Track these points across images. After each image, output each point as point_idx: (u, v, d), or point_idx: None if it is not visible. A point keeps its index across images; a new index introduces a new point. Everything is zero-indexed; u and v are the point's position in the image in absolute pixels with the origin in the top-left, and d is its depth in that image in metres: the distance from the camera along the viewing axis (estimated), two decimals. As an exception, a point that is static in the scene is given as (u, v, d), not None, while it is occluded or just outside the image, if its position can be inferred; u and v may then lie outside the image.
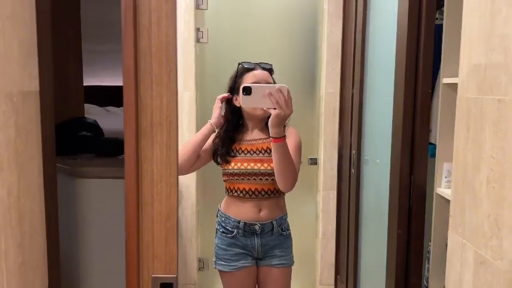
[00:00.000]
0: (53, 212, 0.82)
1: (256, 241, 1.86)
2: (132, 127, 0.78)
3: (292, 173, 1.75)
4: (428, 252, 1.81)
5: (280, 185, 1.78)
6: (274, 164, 1.73)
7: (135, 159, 0.79)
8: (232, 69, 1.90)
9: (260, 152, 1.84)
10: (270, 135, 1.68)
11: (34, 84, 0.74)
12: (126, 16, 0.74)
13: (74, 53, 2.83)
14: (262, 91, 1.64)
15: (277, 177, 1.76)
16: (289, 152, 1.73)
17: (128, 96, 0.78)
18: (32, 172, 0.75)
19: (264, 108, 1.71)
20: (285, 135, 1.70)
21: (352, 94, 2.67)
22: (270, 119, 1.65)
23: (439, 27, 1.76)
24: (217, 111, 1.84)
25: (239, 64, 1.85)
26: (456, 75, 1.62)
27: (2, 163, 0.67)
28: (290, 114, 1.65)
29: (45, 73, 0.77)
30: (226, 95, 1.86)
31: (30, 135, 0.74)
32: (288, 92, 1.63)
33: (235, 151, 1.85)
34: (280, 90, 1.61)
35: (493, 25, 1.01)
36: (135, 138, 0.78)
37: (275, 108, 1.62)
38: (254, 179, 1.83)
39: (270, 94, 1.61)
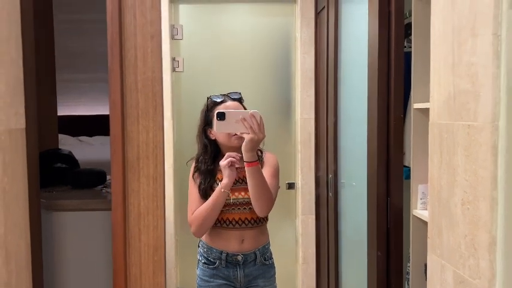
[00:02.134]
0: (37, 248, 0.81)
1: (239, 272, 1.85)
2: (119, 160, 0.78)
3: (267, 197, 1.76)
4: (408, 273, 1.84)
5: (256, 209, 1.79)
6: (250, 188, 1.74)
7: (122, 192, 0.79)
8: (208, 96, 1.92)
9: (243, 181, 1.84)
10: (244, 159, 1.70)
11: (20, 122, 0.74)
12: (112, 52, 0.76)
13: (48, 83, 2.81)
14: (236, 116, 1.67)
15: (253, 202, 1.77)
16: (263, 175, 1.75)
17: (114, 130, 0.79)
18: (18, 209, 0.75)
19: (238, 133, 1.73)
20: (258, 160, 1.72)
21: (327, 119, 2.73)
22: (243, 143, 1.68)
23: (408, 55, 1.84)
24: (232, 177, 1.77)
25: (208, 98, 1.87)
26: (426, 100, 1.70)
27: (-11, 202, 0.66)
28: (263, 138, 1.69)
29: (31, 110, 0.78)
30: (233, 159, 1.76)
31: (17, 172, 0.74)
32: (261, 117, 1.67)
33: (218, 181, 1.85)
34: (253, 116, 1.65)
35: (460, 54, 1.08)
36: (121, 171, 0.78)
37: (248, 133, 1.65)
38: (238, 208, 1.83)
39: (244, 119, 1.65)
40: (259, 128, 1.65)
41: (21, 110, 0.78)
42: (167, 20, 2.86)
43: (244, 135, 1.67)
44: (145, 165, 0.83)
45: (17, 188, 0.77)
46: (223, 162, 1.74)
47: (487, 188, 0.96)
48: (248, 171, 1.71)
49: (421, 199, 1.79)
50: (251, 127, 1.64)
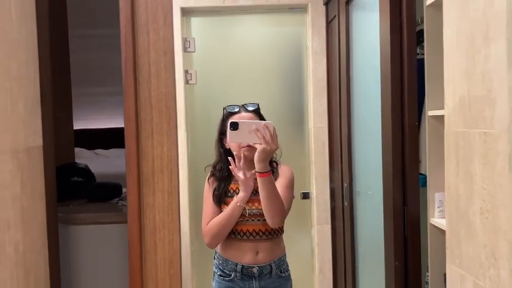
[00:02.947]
0: (55, 263, 0.82)
1: (255, 284, 1.85)
2: (134, 175, 0.79)
3: (279, 208, 1.76)
4: (427, 283, 1.81)
5: (268, 221, 1.78)
6: (261, 199, 1.74)
7: (138, 206, 0.80)
8: (221, 109, 1.94)
9: (257, 192, 1.84)
10: (256, 170, 1.70)
11: (38, 140, 0.76)
12: (126, 69, 0.77)
13: (64, 97, 2.86)
14: (249, 127, 1.68)
15: (265, 212, 1.76)
16: (275, 187, 1.75)
17: (129, 145, 0.80)
18: (36, 226, 0.76)
19: (251, 144, 1.74)
20: (270, 171, 1.72)
21: (340, 128, 2.72)
22: (256, 153, 1.68)
23: (420, 62, 1.83)
24: (249, 191, 1.80)
25: (224, 108, 1.89)
26: (440, 108, 1.68)
27: (9, 221, 0.67)
28: (276, 149, 1.69)
29: (48, 128, 0.79)
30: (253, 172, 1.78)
31: (35, 190, 0.75)
32: (274, 128, 1.67)
33: (231, 191, 1.86)
34: (266, 126, 1.66)
35: (474, 61, 1.07)
36: (137, 186, 0.79)
37: (261, 144, 1.66)
38: (252, 219, 1.83)
39: (257, 130, 1.65)
40: (272, 138, 1.65)
41: (39, 129, 0.80)
42: (179, 33, 2.88)
43: (257, 146, 1.68)
44: (160, 180, 0.84)
45: (35, 205, 0.78)
46: (241, 176, 1.76)
47: (506, 196, 0.94)
48: (260, 182, 1.71)
49: (438, 207, 1.77)
50: (264, 137, 1.65)
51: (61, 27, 2.61)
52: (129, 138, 0.75)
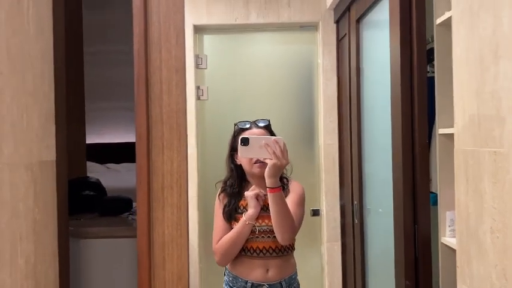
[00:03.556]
0: (65, 277, 0.83)
1: None
2: (145, 190, 0.80)
3: (289, 224, 1.75)
4: (438, 303, 1.78)
5: (278, 237, 1.77)
6: (272, 214, 1.74)
7: (147, 221, 0.81)
8: (231, 125, 1.95)
9: (268, 208, 1.84)
10: (266, 185, 1.70)
11: (51, 154, 0.77)
12: (138, 86, 0.79)
13: (77, 112, 2.90)
14: (259, 142, 1.69)
15: (274, 229, 1.75)
16: (285, 202, 1.74)
17: (140, 161, 0.81)
18: (48, 239, 0.77)
19: (261, 159, 1.75)
20: (280, 186, 1.72)
21: (351, 145, 2.72)
22: (266, 169, 1.68)
23: (431, 80, 1.83)
24: (257, 209, 1.80)
25: (235, 124, 1.90)
26: (451, 126, 1.67)
27: (21, 232, 0.69)
28: (286, 164, 1.69)
29: (61, 142, 0.81)
30: (260, 192, 1.80)
31: (47, 203, 0.76)
32: (284, 143, 1.68)
33: (242, 208, 1.85)
34: (276, 142, 1.66)
35: (483, 81, 1.07)
36: (147, 200, 0.80)
37: (271, 159, 1.66)
38: (262, 236, 1.82)
39: (267, 145, 1.66)
40: (282, 154, 1.66)
41: (52, 143, 0.82)
42: (192, 50, 2.94)
43: (267, 161, 1.68)
44: (170, 195, 0.85)
45: (47, 218, 0.79)
46: (249, 193, 1.76)
47: (516, 216, 0.94)
48: (270, 197, 1.71)
49: (449, 226, 1.75)
50: (274, 153, 1.65)
51: (76, 42, 2.67)
52: (140, 154, 0.77)
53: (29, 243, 0.72)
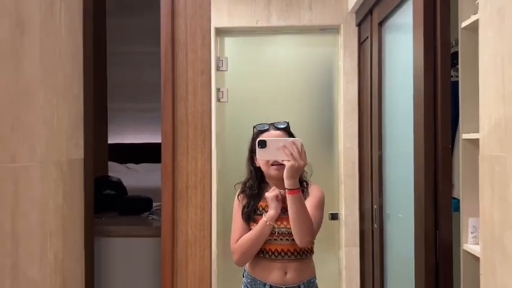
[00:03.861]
0: (90, 273, 0.85)
1: None
2: (169, 190, 0.81)
3: (307, 226, 1.74)
4: (459, 311, 1.75)
5: (296, 239, 1.76)
6: (290, 216, 1.73)
7: (171, 220, 0.82)
8: (251, 127, 1.96)
9: (286, 210, 1.84)
10: (285, 186, 1.70)
11: (79, 153, 0.79)
12: (165, 88, 0.81)
13: (100, 112, 2.94)
14: (277, 144, 1.69)
15: (293, 230, 1.75)
16: (304, 204, 1.73)
17: (165, 160, 0.83)
18: (75, 236, 0.79)
19: (279, 160, 1.75)
20: (299, 188, 1.72)
21: (371, 149, 2.70)
22: (284, 170, 1.68)
23: (454, 84, 1.81)
24: (277, 210, 1.80)
25: (254, 127, 1.91)
26: (475, 131, 1.65)
27: (50, 229, 0.71)
28: (304, 166, 1.69)
29: (88, 141, 0.83)
30: (278, 193, 1.80)
31: (75, 201, 0.78)
32: (302, 145, 1.68)
33: (261, 209, 1.86)
34: (293, 143, 1.66)
35: (510, 85, 1.06)
36: (171, 200, 0.81)
37: (289, 160, 1.66)
38: (281, 239, 1.82)
39: (284, 147, 1.66)
40: (299, 155, 1.66)
41: (81, 142, 0.84)
42: (213, 53, 2.96)
43: (285, 163, 1.68)
44: (194, 195, 0.86)
45: (74, 215, 0.81)
46: (269, 194, 1.76)
47: (544, 224, 0.92)
48: (289, 199, 1.71)
49: (471, 233, 1.72)
50: (292, 154, 1.65)
51: (100, 42, 2.72)
52: (165, 153, 0.78)
53: (58, 239, 0.74)
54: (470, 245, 1.70)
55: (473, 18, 1.64)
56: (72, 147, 0.81)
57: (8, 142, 0.62)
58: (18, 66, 0.65)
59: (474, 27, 1.62)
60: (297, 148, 1.66)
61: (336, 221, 3.01)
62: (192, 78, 0.86)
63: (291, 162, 1.66)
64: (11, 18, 0.63)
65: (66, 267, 0.76)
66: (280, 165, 1.78)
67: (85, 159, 0.85)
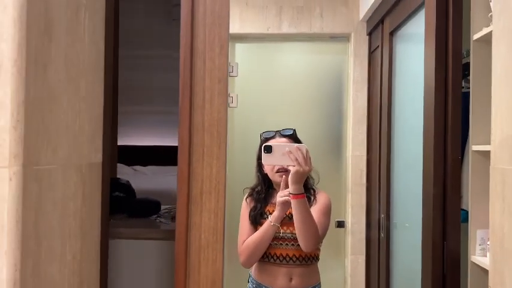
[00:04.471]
0: (105, 274, 0.87)
1: None
2: (184, 195, 0.83)
3: (311, 232, 1.75)
4: (466, 323, 1.75)
5: (301, 244, 1.77)
6: (295, 221, 1.74)
7: (185, 225, 0.83)
8: (259, 133, 1.98)
9: (292, 216, 1.85)
10: (290, 191, 1.71)
11: (98, 157, 0.81)
12: (183, 94, 0.83)
13: (110, 115, 2.97)
14: (282, 149, 1.71)
15: (298, 235, 1.76)
16: (309, 210, 1.74)
17: (181, 166, 0.84)
18: (92, 238, 0.80)
19: (284, 167, 1.77)
20: (303, 193, 1.73)
21: (380, 157, 2.70)
22: (290, 175, 1.70)
23: (465, 95, 1.82)
24: (283, 212, 1.81)
25: (261, 135, 1.94)
26: (485, 142, 1.65)
27: (70, 231, 0.72)
28: (309, 171, 1.70)
29: (106, 145, 0.85)
30: (286, 198, 1.78)
31: (93, 203, 0.80)
32: (307, 150, 1.69)
33: (268, 214, 1.87)
34: (299, 149, 1.68)
35: (522, 100, 1.06)
36: (186, 205, 0.83)
37: (294, 166, 1.68)
38: (287, 244, 1.84)
39: (290, 152, 1.68)
40: (304, 160, 1.67)
41: (100, 146, 0.85)
42: (224, 58, 2.98)
43: (290, 168, 1.70)
44: (208, 200, 0.87)
45: (92, 217, 0.83)
46: (280, 199, 1.76)
47: (555, 238, 0.92)
48: (294, 204, 1.72)
49: (480, 245, 1.72)
50: (297, 159, 1.67)
51: (112, 46, 2.75)
52: (182, 159, 0.79)
53: (77, 241, 0.76)
54: (478, 256, 1.70)
55: (485, 30, 1.65)
56: (92, 151, 0.83)
57: (34, 145, 0.64)
58: (45, 72, 0.68)
59: (486, 39, 1.63)
60: (302, 154, 1.68)
61: (341, 229, 3.01)
62: (209, 86, 0.88)
63: (296, 168, 1.67)
64: (40, 24, 0.65)
65: (83, 269, 0.78)
66: (284, 172, 1.80)
67: (103, 163, 0.87)
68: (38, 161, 0.65)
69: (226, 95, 0.88)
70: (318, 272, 1.93)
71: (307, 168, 1.68)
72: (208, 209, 0.88)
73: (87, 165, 0.80)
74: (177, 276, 0.86)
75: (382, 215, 2.61)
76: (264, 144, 1.75)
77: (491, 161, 1.23)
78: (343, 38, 3.08)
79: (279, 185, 1.86)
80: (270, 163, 1.80)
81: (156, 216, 2.42)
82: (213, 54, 0.86)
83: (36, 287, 0.64)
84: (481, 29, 1.69)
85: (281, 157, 1.71)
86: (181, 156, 0.86)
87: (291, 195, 1.71)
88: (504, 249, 1.11)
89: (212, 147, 0.88)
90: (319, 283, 1.93)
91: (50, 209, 0.68)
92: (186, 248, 0.87)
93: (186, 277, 0.88)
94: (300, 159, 1.67)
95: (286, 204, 1.76)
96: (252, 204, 1.90)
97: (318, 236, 1.78)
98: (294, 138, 1.92)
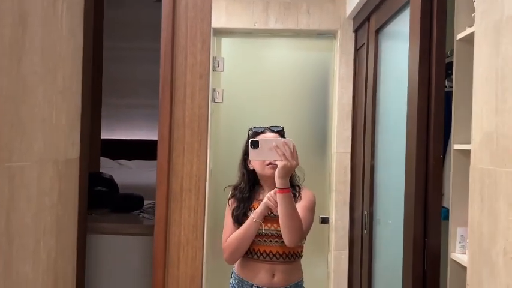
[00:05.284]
0: (81, 272, 0.85)
1: None
2: (164, 192, 0.82)
3: (296, 226, 1.75)
4: (445, 319, 1.77)
5: (285, 238, 1.78)
6: (280, 215, 1.75)
7: (165, 222, 0.82)
8: (245, 128, 1.97)
9: (277, 213, 1.85)
10: (276, 185, 1.72)
11: (75, 152, 0.80)
12: (164, 90, 0.81)
13: (94, 107, 2.92)
14: (269, 144, 1.71)
15: (282, 230, 1.76)
16: (294, 204, 1.75)
17: (161, 162, 0.83)
18: (68, 234, 0.79)
19: (272, 161, 1.77)
20: (290, 187, 1.73)
21: (364, 154, 2.72)
22: (276, 170, 1.70)
23: (448, 94, 1.83)
24: (266, 210, 1.81)
25: (249, 129, 1.93)
26: (466, 142, 1.67)
27: (45, 227, 0.71)
28: (296, 166, 1.71)
29: (84, 140, 0.83)
30: (272, 203, 1.78)
31: (69, 199, 0.78)
32: (294, 145, 1.70)
33: (252, 210, 1.87)
34: (286, 143, 1.68)
35: (503, 100, 1.07)
36: (165, 202, 0.82)
37: (281, 160, 1.68)
38: (270, 240, 1.84)
39: (277, 147, 1.68)
40: (291, 155, 1.68)
41: (77, 140, 0.84)
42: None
43: (278, 163, 1.70)
44: (188, 197, 0.86)
45: (68, 214, 0.81)
46: (268, 201, 1.75)
47: (531, 238, 0.93)
48: (279, 198, 1.72)
49: (459, 242, 1.74)
50: (284, 154, 1.67)
51: (96, 38, 2.70)
52: (161, 155, 0.78)
53: (52, 238, 0.74)
54: (458, 254, 1.72)
55: (469, 30, 1.66)
56: (69, 145, 0.81)
57: (6, 140, 0.63)
58: (19, 64, 0.66)
59: (469, 39, 1.64)
60: (289, 148, 1.68)
61: (325, 225, 3.03)
62: (190, 82, 0.87)
63: (284, 162, 1.67)
64: (14, 15, 0.63)
65: (58, 266, 0.76)
66: (275, 165, 1.80)
67: (80, 158, 0.85)
68: (10, 157, 0.63)
69: (208, 90, 0.87)
70: (300, 269, 1.93)
71: (294, 162, 1.69)
72: (188, 206, 0.87)
73: (63, 160, 0.79)
74: (155, 273, 0.85)
75: (365, 212, 2.63)
76: (250, 140, 1.75)
77: (471, 161, 1.24)
78: (330, 35, 3.08)
79: (268, 179, 1.85)
80: (257, 158, 1.80)
81: (139, 211, 2.40)
82: (194, 49, 0.85)
83: (8, 287, 0.62)
84: (464, 29, 1.70)
85: (268, 152, 1.71)
86: (161, 152, 0.85)
87: (277, 189, 1.71)
88: (482, 249, 1.12)
89: (193, 143, 0.87)
90: (302, 279, 1.93)
91: (23, 205, 0.66)
92: (165, 244, 0.86)
93: (164, 274, 0.87)
94: (287, 154, 1.67)
95: (270, 205, 1.77)
96: (235, 205, 1.89)
97: (302, 231, 1.78)
98: (282, 135, 1.93)
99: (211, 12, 0.87)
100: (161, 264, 0.85)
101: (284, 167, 1.68)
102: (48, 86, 0.73)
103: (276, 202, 1.74)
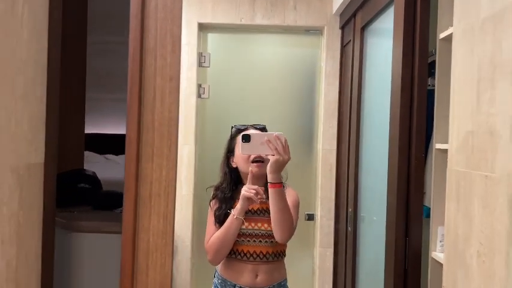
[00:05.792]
0: (49, 280, 0.83)
1: None
2: (132, 197, 0.80)
3: (288, 222, 1.74)
4: (425, 317, 1.78)
5: (277, 235, 1.76)
6: (272, 211, 1.73)
7: (133, 228, 0.81)
8: (231, 124, 1.96)
9: (261, 212, 1.84)
10: (268, 180, 1.70)
11: (39, 157, 0.77)
12: (131, 92, 0.79)
13: (77, 101, 2.89)
14: (261, 138, 1.68)
15: (274, 226, 1.75)
16: (286, 199, 1.74)
17: (129, 167, 0.81)
18: (32, 241, 0.77)
19: (263, 155, 1.75)
20: (282, 182, 1.72)
21: (349, 152, 2.72)
22: (269, 164, 1.69)
23: (431, 93, 1.83)
24: (246, 206, 1.78)
25: (232, 127, 1.90)
26: (447, 141, 1.67)
27: (3, 236, 0.69)
28: (288, 160, 1.69)
29: (51, 145, 0.81)
30: (259, 193, 1.75)
31: (33, 206, 0.76)
32: (285, 139, 1.68)
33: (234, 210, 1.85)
34: (278, 137, 1.66)
35: (479, 103, 1.07)
36: (133, 207, 0.80)
37: (273, 155, 1.66)
38: (254, 240, 1.82)
39: (269, 141, 1.66)
40: (284, 149, 1.66)
41: (42, 146, 0.82)
42: (195, 48, 2.93)
43: (270, 157, 1.68)
44: (157, 203, 0.85)
45: (32, 221, 0.79)
46: (246, 193, 1.73)
47: (502, 242, 0.93)
48: (272, 193, 1.70)
49: (440, 241, 1.75)
50: (276, 148, 1.65)
51: (79, 32, 2.66)
52: (129, 160, 0.77)
53: (12, 247, 0.72)
54: (438, 253, 1.72)
55: (450, 30, 1.65)
56: (32, 151, 0.79)
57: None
58: (-28, 71, 0.64)
59: (451, 38, 1.64)
60: (281, 142, 1.66)
61: (311, 222, 3.03)
62: (160, 85, 0.85)
63: (276, 157, 1.66)
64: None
65: (20, 275, 0.74)
66: (260, 163, 1.78)
67: (46, 163, 0.83)
68: (-37, 166, 0.61)
69: (178, 93, 0.85)
70: (284, 268, 1.92)
71: (286, 157, 1.67)
72: (157, 212, 0.86)
73: (25, 166, 0.77)
74: (122, 281, 0.83)
75: (350, 209, 2.63)
76: (242, 133, 1.73)
77: (448, 162, 1.24)
78: (317, 31, 3.06)
79: (252, 177, 1.83)
80: (248, 152, 1.77)
81: (120, 209, 2.38)
82: (164, 52, 0.83)
83: (-39, 298, 0.61)
84: (447, 28, 1.69)
85: (260, 146, 1.68)
86: (129, 156, 0.83)
87: (269, 184, 1.70)
88: (457, 250, 1.13)
89: (162, 147, 0.86)
90: (285, 279, 1.92)
91: (-22, 215, 0.64)
92: (133, 251, 0.84)
93: (132, 280, 0.85)
94: (280, 148, 1.66)
95: (250, 199, 1.74)
96: (217, 206, 1.87)
97: (293, 228, 1.78)
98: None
99: (181, 14, 0.84)
100: (129, 271, 0.84)
101: (276, 162, 1.66)
102: (7, 92, 0.71)
103: (256, 191, 1.72)
